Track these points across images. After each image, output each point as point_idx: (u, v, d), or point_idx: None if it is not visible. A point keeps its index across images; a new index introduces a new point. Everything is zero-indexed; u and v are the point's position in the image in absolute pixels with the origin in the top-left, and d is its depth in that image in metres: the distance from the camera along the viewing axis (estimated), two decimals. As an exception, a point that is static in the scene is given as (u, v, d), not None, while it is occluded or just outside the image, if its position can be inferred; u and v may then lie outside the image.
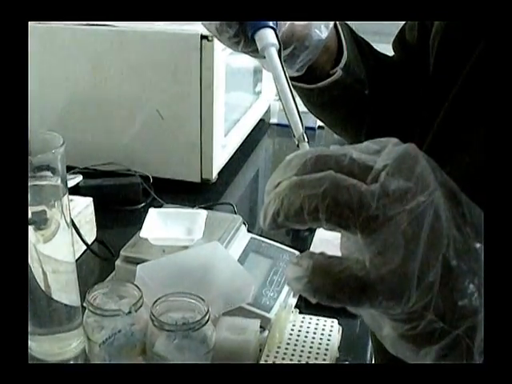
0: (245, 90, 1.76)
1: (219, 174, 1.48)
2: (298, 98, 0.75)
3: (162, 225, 1.04)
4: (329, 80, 0.81)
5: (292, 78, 0.81)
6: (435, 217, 0.38)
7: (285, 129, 1.80)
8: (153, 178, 1.43)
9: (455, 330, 0.39)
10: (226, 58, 1.41)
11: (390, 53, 0.90)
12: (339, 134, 0.95)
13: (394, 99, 0.86)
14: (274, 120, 1.88)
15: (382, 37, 1.06)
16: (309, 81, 0.82)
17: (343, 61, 0.80)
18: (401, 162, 0.39)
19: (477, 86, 0.64)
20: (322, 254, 0.40)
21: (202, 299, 0.79)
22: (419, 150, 0.40)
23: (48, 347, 0.91)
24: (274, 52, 0.69)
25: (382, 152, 0.40)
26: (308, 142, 0.59)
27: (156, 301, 0.78)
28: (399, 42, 0.88)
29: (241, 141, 1.64)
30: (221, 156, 1.48)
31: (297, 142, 0.59)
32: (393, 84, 0.86)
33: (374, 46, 0.89)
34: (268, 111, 1.88)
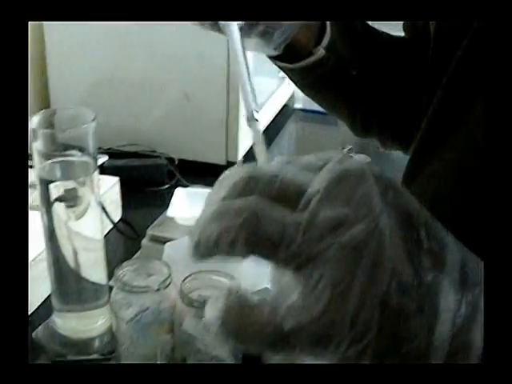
0: (270, 75, 1.75)
1: (244, 157, 1.47)
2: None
3: (189, 204, 1.04)
4: (310, 60, 0.76)
5: (274, 57, 0.78)
6: (377, 247, 0.33)
7: (309, 114, 1.79)
8: (178, 160, 1.43)
9: None
10: (252, 42, 1.40)
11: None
12: (334, 115, 0.90)
13: (392, 81, 0.82)
14: (298, 105, 1.87)
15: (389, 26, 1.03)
16: (291, 60, 0.78)
17: (325, 40, 0.76)
18: (338, 185, 0.34)
19: (471, 67, 0.61)
20: (238, 293, 0.36)
21: (232, 277, 0.78)
22: (369, 166, 0.35)
23: (74, 324, 0.91)
24: (234, 29, 0.66)
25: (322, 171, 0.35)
26: (257, 120, 0.56)
27: (185, 278, 0.78)
28: (409, 23, 0.85)
29: (266, 125, 1.63)
30: (246, 139, 1.48)
31: (248, 123, 0.57)
32: (393, 65, 0.82)
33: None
34: (292, 96, 1.87)
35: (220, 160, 1.44)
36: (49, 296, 0.95)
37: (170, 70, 1.40)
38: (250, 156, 1.50)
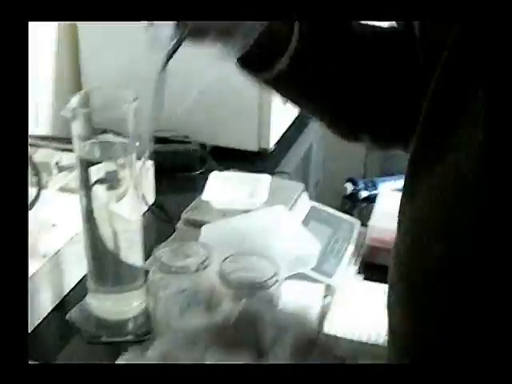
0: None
1: (276, 144, 1.47)
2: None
3: (224, 188, 1.04)
4: (272, 72, 0.70)
5: (238, 62, 0.74)
6: None
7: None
8: (210, 146, 1.43)
9: None
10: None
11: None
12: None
13: (382, 79, 0.73)
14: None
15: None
16: (257, 67, 0.72)
17: (289, 52, 0.68)
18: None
19: (460, 67, 0.58)
20: None
21: (271, 260, 0.78)
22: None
23: (109, 306, 0.92)
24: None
25: None
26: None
27: (225, 259, 0.78)
28: None
29: (297, 113, 1.63)
30: (278, 126, 1.47)
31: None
32: (379, 63, 0.73)
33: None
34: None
35: (252, 146, 1.43)
36: (83, 277, 0.95)
37: (202, 56, 1.39)
38: (281, 142, 1.50)
